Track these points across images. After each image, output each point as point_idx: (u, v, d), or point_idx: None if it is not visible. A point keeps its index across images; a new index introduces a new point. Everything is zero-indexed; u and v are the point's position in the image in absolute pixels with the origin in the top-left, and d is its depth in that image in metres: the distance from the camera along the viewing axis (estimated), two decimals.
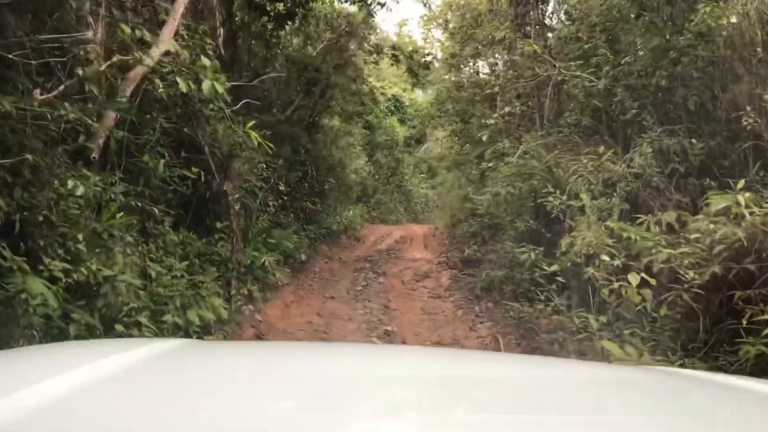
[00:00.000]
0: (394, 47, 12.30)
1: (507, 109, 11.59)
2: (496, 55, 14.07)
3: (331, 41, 11.73)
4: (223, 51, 8.15)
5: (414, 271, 10.86)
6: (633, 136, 7.62)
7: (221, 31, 8.06)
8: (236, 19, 10.05)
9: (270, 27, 10.67)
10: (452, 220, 19.87)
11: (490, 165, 11.54)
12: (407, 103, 28.51)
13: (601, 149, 7.01)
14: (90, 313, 3.75)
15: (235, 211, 6.81)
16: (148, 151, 5.61)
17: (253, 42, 10.70)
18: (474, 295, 8.70)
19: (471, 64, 16.36)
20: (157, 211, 5.87)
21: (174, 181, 5.86)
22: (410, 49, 13.59)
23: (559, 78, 10.39)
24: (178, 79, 4.68)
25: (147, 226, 5.82)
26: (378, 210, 24.45)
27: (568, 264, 5.77)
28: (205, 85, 4.68)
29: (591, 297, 6.01)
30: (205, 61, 4.83)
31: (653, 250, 4.99)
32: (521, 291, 7.52)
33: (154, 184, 5.73)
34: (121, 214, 4.33)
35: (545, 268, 5.95)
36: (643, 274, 4.71)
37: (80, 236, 3.53)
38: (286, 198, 10.21)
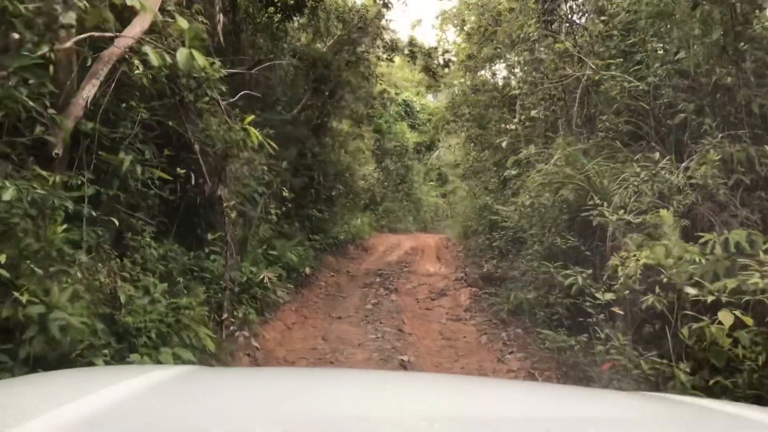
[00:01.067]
0: (411, 43, 11.33)
1: (533, 112, 10.61)
2: (516, 57, 13.10)
3: (343, 36, 10.79)
4: (222, 40, 7.21)
5: (429, 288, 9.85)
6: (687, 142, 6.63)
7: (220, 17, 7.11)
8: (240, 9, 9.14)
9: (276, 19, 9.75)
10: (465, 231, 18.93)
11: (513, 173, 10.57)
12: (418, 109, 27.57)
13: (656, 156, 6.02)
14: (24, 359, 2.78)
15: (230, 220, 5.84)
16: (125, 148, 4.65)
17: (257, 35, 9.77)
18: (499, 319, 7.69)
19: (489, 66, 15.43)
20: (136, 219, 4.93)
21: (156, 184, 4.89)
22: (427, 46, 12.70)
23: (591, 79, 9.42)
24: (148, 50, 3.71)
25: (125, 237, 4.86)
26: (386, 219, 23.45)
27: (626, 292, 4.77)
28: (181, 54, 3.70)
29: (644, 330, 5.03)
30: (182, 22, 3.85)
31: (744, 278, 4.01)
32: (557, 317, 6.52)
33: (132, 187, 4.77)
34: (64, 226, 3.34)
35: (597, 296, 4.93)
36: (737, 312, 3.73)
37: (2, 258, 2.57)
38: (290, 205, 9.24)
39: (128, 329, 3.76)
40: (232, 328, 5.56)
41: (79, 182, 4.30)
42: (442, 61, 11.85)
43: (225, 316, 5.35)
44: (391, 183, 24.43)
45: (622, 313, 4.77)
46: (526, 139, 13.74)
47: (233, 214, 5.94)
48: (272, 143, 5.90)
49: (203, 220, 6.02)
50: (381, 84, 12.43)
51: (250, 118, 5.48)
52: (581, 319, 6.22)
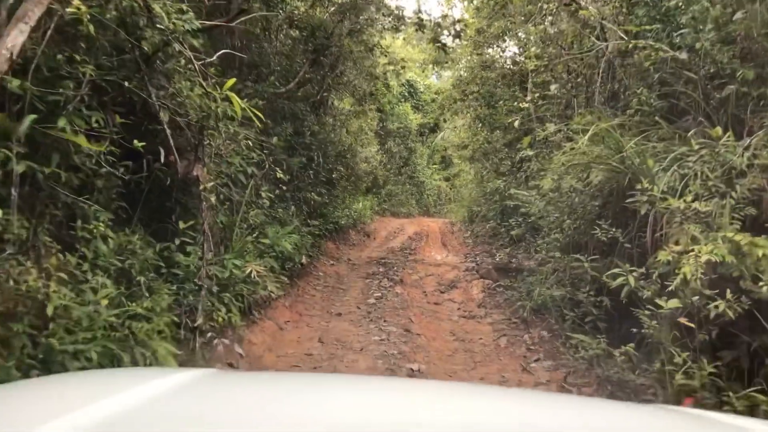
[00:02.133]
0: (418, 11, 10.23)
1: (552, 87, 9.54)
2: (533, 29, 11.99)
3: (345, 4, 9.68)
4: None
5: (437, 279, 8.88)
6: (746, 116, 5.61)
7: None
8: None
9: None
10: (470, 216, 17.96)
11: (530, 153, 9.55)
12: (422, 89, 26.41)
13: (718, 131, 4.98)
14: None
15: (209, 205, 4.84)
16: (69, 115, 3.64)
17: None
18: (519, 318, 6.72)
19: (499, 41, 14.30)
20: (88, 205, 3.93)
21: (109, 160, 3.88)
22: (438, 16, 11.56)
23: (618, 50, 8.41)
24: None
25: (73, 227, 3.87)
26: (389, 202, 22.46)
27: (695, 298, 3.79)
28: None
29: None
30: None
31: None
32: (590, 319, 5.54)
33: (78, 164, 3.77)
34: None
35: (659, 303, 3.93)
36: None
37: None
38: (285, 188, 8.23)
39: (56, 353, 2.78)
40: (209, 334, 4.59)
41: (4, 157, 3.31)
42: (453, 32, 10.68)
43: (199, 321, 4.37)
44: (393, 165, 23.38)
45: (692, 325, 3.78)
46: (539, 118, 12.71)
47: (212, 198, 4.93)
48: (261, 116, 4.89)
49: (177, 206, 5.01)
50: (385, 56, 11.31)
51: (231, 81, 4.45)
52: (623, 323, 5.27)
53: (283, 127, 8.33)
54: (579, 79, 10.67)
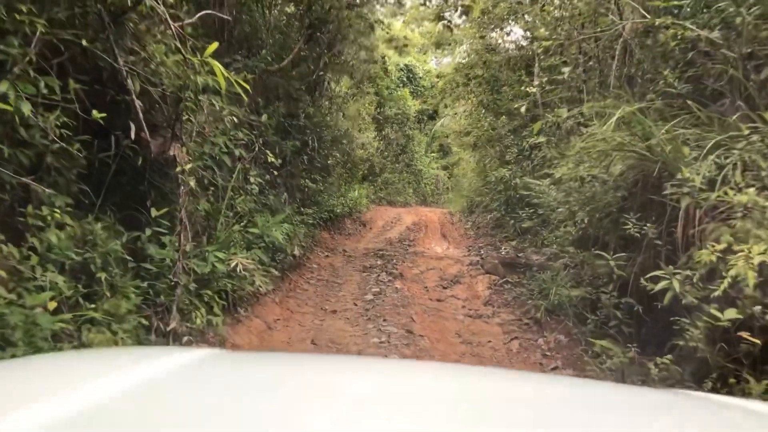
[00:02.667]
0: None
1: (565, 70, 8.91)
2: (545, 8, 11.34)
3: None
4: None
5: (439, 274, 8.29)
6: None
7: None
8: None
9: None
10: (470, 205, 17.38)
11: (541, 140, 8.95)
12: (421, 75, 25.70)
13: None
14: None
15: (187, 190, 4.22)
16: (13, 79, 3.01)
17: None
18: (531, 318, 6.15)
19: (505, 23, 13.64)
20: (41, 189, 3.32)
21: (65, 134, 3.25)
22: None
23: (638, 29, 7.87)
24: None
25: (23, 213, 3.25)
26: (385, 190, 21.85)
27: (757, 308, 3.22)
28: None
29: None
30: None
31: None
32: (615, 324, 4.97)
33: (28, 138, 3.14)
34: None
35: (716, 314, 3.35)
36: None
37: None
38: (276, 173, 7.62)
39: None
40: (186, 338, 3.99)
41: None
42: (459, 8, 10.04)
43: (173, 324, 3.77)
44: (391, 153, 22.76)
45: (757, 341, 3.20)
46: (546, 104, 12.11)
47: (192, 182, 4.30)
48: (248, 88, 4.26)
49: (151, 191, 4.38)
50: (387, 32, 10.61)
51: (213, 46, 3.81)
52: (654, 328, 4.71)
53: (275, 106, 7.69)
54: (591, 63, 10.07)
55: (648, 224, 5.04)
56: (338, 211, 11.94)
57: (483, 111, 13.54)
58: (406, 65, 24.65)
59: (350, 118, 13.96)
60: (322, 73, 9.91)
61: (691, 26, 6.05)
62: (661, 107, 6.23)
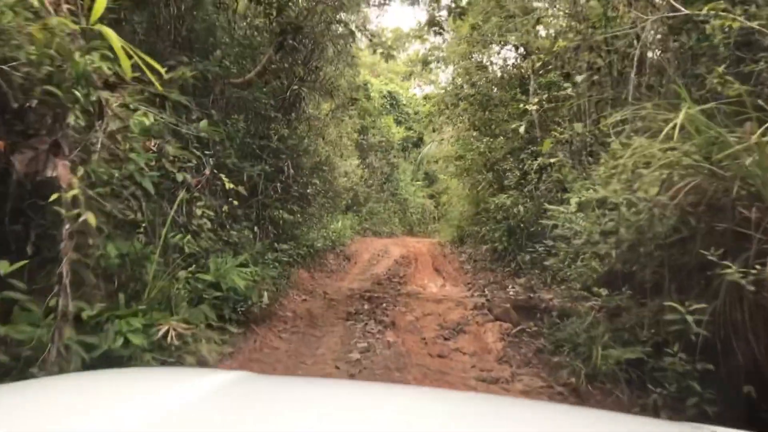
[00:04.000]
0: None
1: (579, 78, 7.63)
2: (550, 9, 10.16)
3: None
4: None
5: (438, 320, 6.81)
6: None
7: None
8: None
9: None
10: (460, 236, 16.02)
11: (551, 161, 7.61)
12: (404, 102, 24.55)
13: None
14: None
15: (75, 227, 2.74)
16: None
17: None
18: (565, 385, 4.67)
19: (495, 38, 12.45)
20: None
21: None
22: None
23: (669, 23, 6.75)
24: None
25: None
26: (370, 221, 20.42)
27: None
28: None
29: None
30: None
31: None
32: (694, 402, 3.53)
33: None
34: None
35: None
36: None
37: None
38: (238, 203, 6.16)
39: None
40: None
41: None
42: (452, 10, 8.78)
43: None
44: (375, 182, 21.40)
45: None
46: (543, 123, 10.85)
47: (89, 216, 2.82)
48: (162, 72, 2.83)
49: (30, 230, 2.89)
50: (370, 40, 9.30)
51: (101, 4, 2.37)
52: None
53: (233, 120, 6.27)
54: (601, 74, 8.80)
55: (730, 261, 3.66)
56: (319, 245, 10.46)
57: (474, 133, 12.25)
58: (389, 92, 23.51)
59: (331, 144, 12.60)
60: (296, 88, 8.53)
61: (740, 18, 4.80)
62: (711, 112, 4.91)
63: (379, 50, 8.81)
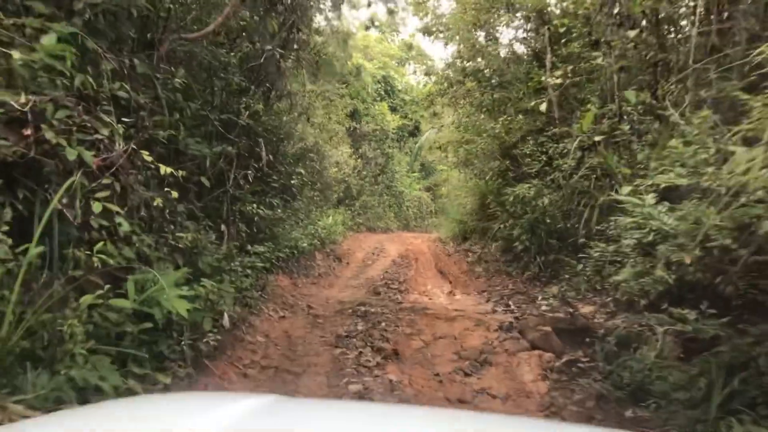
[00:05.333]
0: None
1: (632, 32, 6.01)
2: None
3: None
4: None
5: (454, 346, 5.19)
6: None
7: None
8: None
9: None
10: (462, 231, 14.45)
11: (597, 139, 6.02)
12: (400, 88, 22.88)
13: None
14: None
15: None
16: None
17: None
18: None
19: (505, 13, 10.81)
20: None
21: None
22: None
23: None
24: None
25: None
26: (364, 215, 18.80)
27: None
28: None
29: None
30: None
31: None
32: None
33: None
34: None
35: None
36: None
37: None
38: (189, 195, 4.52)
39: None
40: None
41: None
42: None
43: None
44: (369, 173, 19.75)
45: None
46: (564, 102, 9.27)
47: None
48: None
49: None
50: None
51: None
52: None
53: (171, 72, 4.59)
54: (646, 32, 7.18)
55: None
56: (305, 245, 8.82)
57: (482, 116, 10.61)
58: (383, 77, 21.82)
59: (319, 127, 10.95)
60: (274, 55, 6.86)
61: None
62: None
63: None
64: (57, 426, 1.11)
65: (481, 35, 10.32)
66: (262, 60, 6.85)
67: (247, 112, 6.66)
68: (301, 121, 9.68)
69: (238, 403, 1.37)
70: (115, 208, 3.04)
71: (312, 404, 2.07)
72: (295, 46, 7.61)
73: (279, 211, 8.17)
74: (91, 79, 3.20)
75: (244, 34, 6.53)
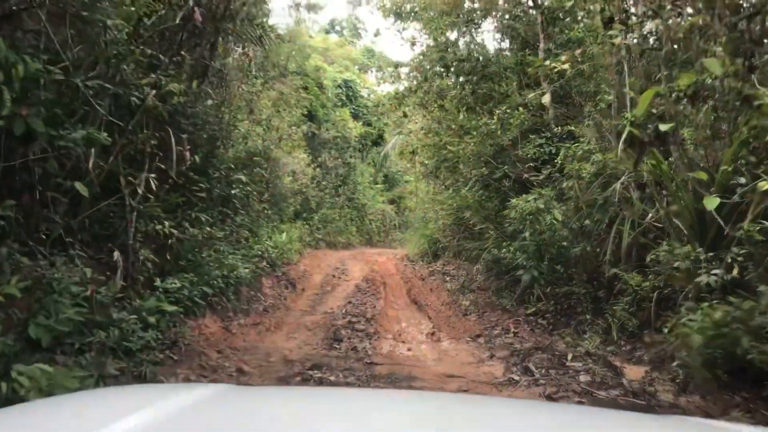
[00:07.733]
0: None
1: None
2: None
3: None
4: None
5: None
6: None
7: None
8: None
9: None
10: (433, 249, 12.69)
11: (664, 128, 4.20)
12: (362, 93, 21.02)
13: None
14: None
15: None
16: None
17: None
18: None
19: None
20: None
21: None
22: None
23: None
24: None
25: None
26: (324, 230, 16.75)
27: None
28: None
29: None
30: None
31: None
32: None
33: None
34: None
35: None
36: None
37: None
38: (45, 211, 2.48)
39: None
40: None
41: None
42: None
43: None
44: (329, 184, 17.75)
45: None
46: (566, 95, 7.61)
47: None
48: None
49: None
50: None
51: None
52: None
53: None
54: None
55: None
56: (244, 273, 6.74)
57: (462, 114, 8.80)
58: (345, 81, 19.93)
59: (267, 125, 8.91)
60: (193, 15, 4.85)
61: None
62: None
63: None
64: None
65: (461, 18, 8.53)
66: (177, 20, 4.84)
67: (154, 92, 4.61)
68: (243, 115, 7.67)
69: (188, 392, 1.32)
70: None
71: (263, 391, 2.02)
72: (229, 11, 5.63)
73: (209, 228, 6.14)
74: None
75: None
